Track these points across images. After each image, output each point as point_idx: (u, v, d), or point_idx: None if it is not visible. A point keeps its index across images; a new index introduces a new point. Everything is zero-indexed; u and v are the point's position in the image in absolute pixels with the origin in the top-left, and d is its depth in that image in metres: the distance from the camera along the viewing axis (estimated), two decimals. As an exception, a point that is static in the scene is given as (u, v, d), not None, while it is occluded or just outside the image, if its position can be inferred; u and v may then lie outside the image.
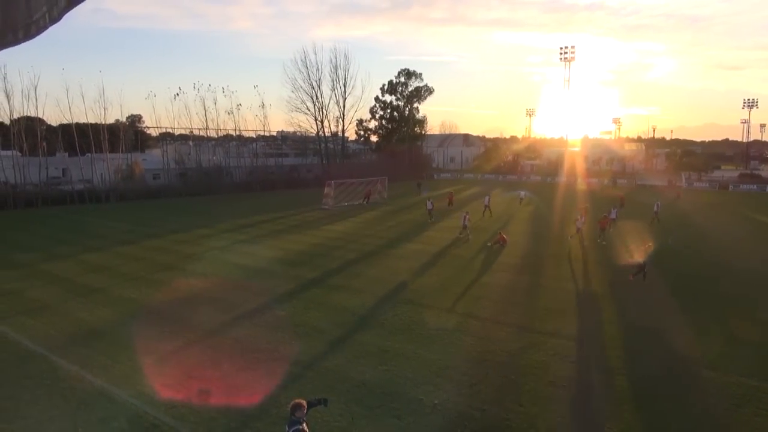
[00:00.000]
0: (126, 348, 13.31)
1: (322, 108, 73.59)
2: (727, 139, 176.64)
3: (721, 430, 9.72)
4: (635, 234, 28.58)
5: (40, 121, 52.77)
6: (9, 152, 49.08)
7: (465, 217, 29.39)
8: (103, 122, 55.70)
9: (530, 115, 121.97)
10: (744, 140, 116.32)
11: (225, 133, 70.28)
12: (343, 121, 76.88)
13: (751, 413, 10.16)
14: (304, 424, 7.00)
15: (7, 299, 17.80)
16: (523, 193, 48.65)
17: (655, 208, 35.57)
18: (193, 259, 24.09)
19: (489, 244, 26.89)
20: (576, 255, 25.08)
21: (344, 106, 75.81)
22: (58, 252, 25.79)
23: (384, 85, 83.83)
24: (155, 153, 72.04)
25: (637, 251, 20.21)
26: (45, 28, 1.91)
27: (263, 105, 73.81)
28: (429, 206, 36.56)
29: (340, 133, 78.63)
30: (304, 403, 7.18)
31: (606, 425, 9.70)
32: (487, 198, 40.18)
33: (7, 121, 51.68)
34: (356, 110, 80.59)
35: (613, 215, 31.85)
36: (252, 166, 66.28)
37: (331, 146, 78.55)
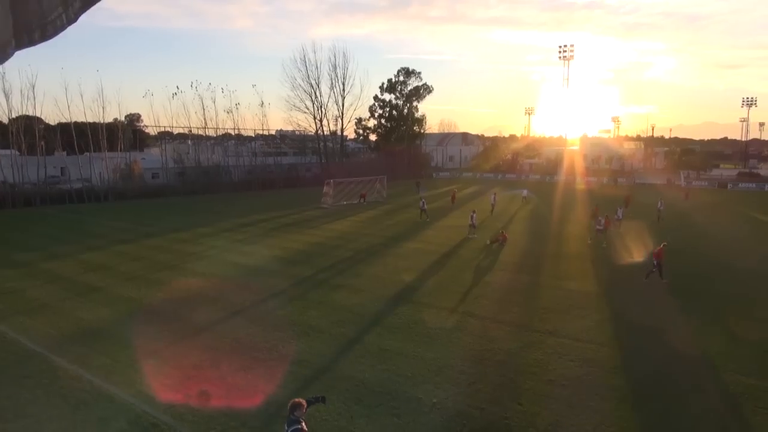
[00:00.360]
0: (125, 347, 13.30)
1: (320, 107, 73.55)
2: (725, 138, 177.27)
3: (720, 429, 9.74)
4: (642, 233, 28.65)
5: (39, 120, 52.76)
6: (7, 151, 49.08)
7: (472, 216, 29.41)
8: (102, 121, 55.74)
9: (529, 114, 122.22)
10: (743, 139, 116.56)
11: (224, 132, 70.39)
12: (341, 119, 76.91)
13: (750, 411, 10.19)
14: (303, 423, 7.01)
15: (6, 299, 17.78)
16: (525, 191, 48.69)
17: (659, 206, 35.61)
18: (192, 258, 24.09)
19: (488, 242, 26.90)
20: (575, 254, 25.11)
21: (343, 105, 75.82)
22: (57, 251, 25.76)
23: (383, 83, 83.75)
24: (154, 152, 72.06)
25: (652, 250, 19.98)
26: (62, 28, 1.92)
27: (262, 104, 73.88)
28: (422, 205, 36.65)
29: (338, 132, 78.63)
30: (303, 402, 7.18)
31: (605, 424, 9.71)
32: (493, 196, 40.26)
33: (5, 120, 51.68)
34: (355, 109, 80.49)
35: (619, 215, 31.88)
36: (251, 165, 66.26)
37: (330, 145, 78.49)
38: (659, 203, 35.94)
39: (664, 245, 19.69)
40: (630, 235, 28.75)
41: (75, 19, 1.96)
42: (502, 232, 27.44)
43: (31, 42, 1.90)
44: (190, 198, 52.31)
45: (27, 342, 13.77)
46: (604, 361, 12.55)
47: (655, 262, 19.30)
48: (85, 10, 2.00)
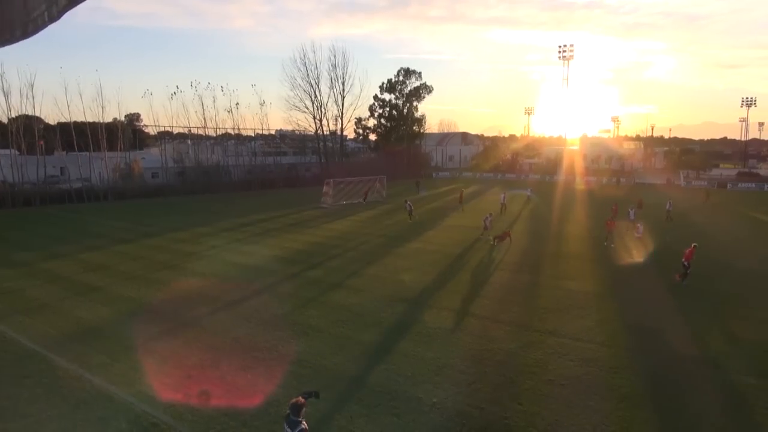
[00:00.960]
0: (125, 347, 13.30)
1: (320, 106, 73.57)
2: (725, 138, 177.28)
3: (719, 429, 9.73)
4: (652, 234, 28.56)
5: (38, 119, 52.74)
6: (7, 151, 49.07)
7: (487, 218, 29.32)
8: (101, 121, 55.72)
9: (529, 114, 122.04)
10: (742, 138, 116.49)
11: (223, 132, 70.35)
12: (341, 119, 76.90)
13: (750, 411, 10.19)
14: (304, 422, 6.99)
15: (5, 298, 17.78)
16: (529, 191, 48.82)
17: (668, 207, 35.58)
18: (192, 258, 24.08)
19: (493, 242, 26.85)
20: (575, 254, 25.10)
21: (343, 105, 75.84)
22: (57, 251, 25.76)
23: (383, 83, 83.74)
24: (154, 152, 71.97)
25: (682, 252, 19.72)
26: (44, 26, 1.90)
27: (262, 103, 73.69)
28: (408, 207, 36.50)
29: (338, 132, 78.60)
30: (305, 401, 7.15)
31: (604, 423, 9.71)
32: (503, 196, 40.31)
33: (5, 120, 51.68)
34: (355, 108, 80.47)
35: (631, 216, 31.85)
36: (251, 164, 66.24)
37: (330, 145, 78.46)
38: (668, 204, 35.92)
39: (694, 246, 19.46)
40: (647, 237, 28.61)
41: (58, 17, 1.94)
42: (507, 231, 27.45)
43: (12, 40, 1.89)
44: (189, 198, 52.30)
45: (27, 342, 13.77)
46: (604, 360, 12.55)
47: (685, 263, 19.19)
48: (70, 8, 1.98)
